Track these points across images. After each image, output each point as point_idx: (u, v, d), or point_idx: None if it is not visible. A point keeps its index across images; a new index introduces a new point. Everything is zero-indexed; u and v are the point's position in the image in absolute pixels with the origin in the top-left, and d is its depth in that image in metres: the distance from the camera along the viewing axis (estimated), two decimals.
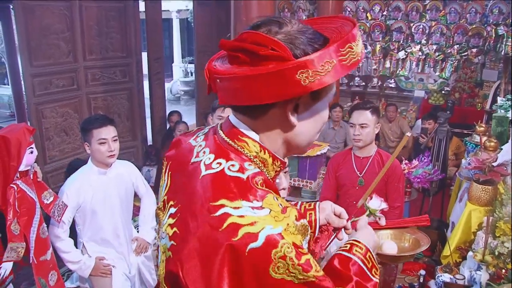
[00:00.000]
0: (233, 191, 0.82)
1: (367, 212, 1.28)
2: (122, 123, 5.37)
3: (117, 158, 2.47)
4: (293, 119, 0.87)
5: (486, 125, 3.72)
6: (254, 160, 0.89)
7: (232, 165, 0.85)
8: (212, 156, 0.89)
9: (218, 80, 0.84)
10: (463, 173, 3.43)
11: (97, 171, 2.44)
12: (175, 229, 0.88)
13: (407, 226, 1.40)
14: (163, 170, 1.05)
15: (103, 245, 2.54)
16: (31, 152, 2.29)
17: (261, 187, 0.83)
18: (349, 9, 7.18)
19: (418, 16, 6.84)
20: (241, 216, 0.78)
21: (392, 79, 7.04)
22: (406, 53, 6.93)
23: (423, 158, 4.06)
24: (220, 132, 0.93)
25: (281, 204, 0.82)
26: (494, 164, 2.94)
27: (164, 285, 0.91)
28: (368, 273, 0.98)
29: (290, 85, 0.78)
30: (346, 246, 1.04)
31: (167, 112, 6.22)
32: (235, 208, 0.79)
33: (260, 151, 0.90)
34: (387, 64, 7.07)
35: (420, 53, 6.84)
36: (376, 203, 1.29)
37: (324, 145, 3.76)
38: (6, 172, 2.18)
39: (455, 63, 6.59)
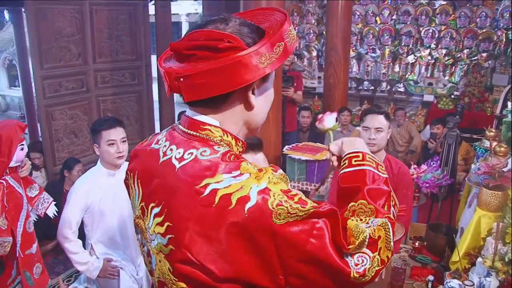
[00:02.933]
0: (212, 169, 0.86)
1: (330, 137, 1.28)
2: (131, 125, 5.40)
3: (126, 160, 2.48)
4: (253, 101, 0.95)
5: (496, 130, 3.68)
6: (220, 143, 0.94)
7: (204, 151, 0.90)
8: (181, 149, 0.93)
9: (181, 79, 0.88)
10: (472, 178, 3.40)
11: (106, 172, 2.45)
12: (167, 223, 0.89)
13: None
14: (129, 183, 1.07)
15: (111, 246, 2.55)
16: (22, 149, 2.31)
17: (234, 160, 0.88)
18: (358, 13, 7.18)
19: (428, 20, 6.83)
20: (228, 186, 0.83)
21: (401, 84, 7.02)
22: (415, 58, 6.91)
23: (432, 163, 4.03)
24: (181, 127, 0.98)
25: (255, 167, 0.87)
26: (504, 169, 2.91)
27: (175, 282, 0.92)
28: (376, 171, 1.03)
29: (251, 70, 0.86)
30: (344, 163, 1.08)
31: (176, 114, 6.28)
32: (218, 182, 0.84)
33: (223, 135, 0.95)
34: (396, 68, 7.06)
35: (429, 58, 6.82)
36: (331, 120, 1.29)
37: None
38: None
39: (465, 68, 6.56)
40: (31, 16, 4.24)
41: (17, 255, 2.27)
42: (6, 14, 12.55)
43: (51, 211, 2.53)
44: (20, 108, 12.45)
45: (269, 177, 0.85)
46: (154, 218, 0.93)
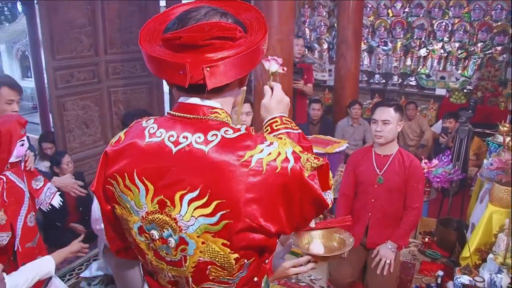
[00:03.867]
0: (248, 143, 0.96)
1: (271, 78, 1.34)
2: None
3: None
4: (246, 81, 1.10)
5: (509, 125, 3.63)
6: (228, 122, 1.03)
7: (226, 131, 0.98)
8: (200, 134, 0.98)
9: (207, 68, 0.93)
10: (484, 173, 3.37)
11: None
12: (216, 202, 0.94)
13: (333, 226, 1.53)
14: (117, 186, 1.04)
15: None
16: (22, 145, 2.31)
17: (256, 133, 1.01)
18: (370, 6, 7.12)
19: (441, 13, 6.73)
20: (269, 154, 0.95)
21: (413, 77, 6.94)
22: (428, 51, 6.83)
23: (443, 158, 4.00)
24: (183, 114, 1.02)
25: (274, 136, 1.04)
26: None
27: (228, 254, 0.99)
28: (292, 131, 1.23)
29: (261, 53, 1.02)
30: (267, 130, 1.25)
31: None
32: (260, 152, 0.95)
33: (226, 115, 1.04)
34: (408, 62, 6.99)
35: (442, 51, 6.73)
36: (275, 65, 1.35)
37: (343, 142, 3.74)
38: None
39: (478, 61, 6.47)
40: (43, 7, 4.26)
41: (16, 249, 2.29)
42: (19, 6, 12.62)
43: (56, 201, 2.54)
44: (32, 98, 12.55)
45: (289, 142, 1.01)
46: (189, 204, 0.96)
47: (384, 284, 2.64)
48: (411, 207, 2.64)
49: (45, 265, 2.17)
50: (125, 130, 1.10)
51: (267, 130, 1.24)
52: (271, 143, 0.97)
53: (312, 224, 1.43)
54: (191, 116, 1.01)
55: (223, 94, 1.03)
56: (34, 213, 2.41)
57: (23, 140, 2.30)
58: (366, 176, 2.74)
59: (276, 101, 1.28)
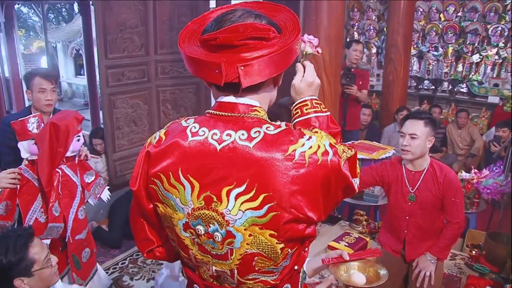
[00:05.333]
0: (290, 138, 1.01)
1: (304, 56, 1.32)
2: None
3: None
4: (280, 80, 1.13)
5: None
6: (267, 120, 1.07)
7: (268, 127, 1.03)
8: (243, 131, 1.02)
9: (242, 67, 0.97)
10: None
11: None
12: (263, 195, 0.98)
13: (364, 258, 1.57)
14: (161, 184, 1.07)
15: None
16: (78, 140, 2.39)
17: (295, 128, 1.09)
18: (421, 10, 6.93)
19: (497, 17, 6.46)
20: (310, 147, 1.00)
21: (464, 84, 6.70)
22: (481, 57, 6.57)
23: (494, 168, 3.84)
24: (224, 113, 1.06)
25: (310, 131, 1.07)
26: None
27: (275, 245, 1.03)
28: (321, 114, 1.25)
29: (294, 53, 1.05)
30: (297, 112, 1.26)
31: None
32: (302, 146, 1.00)
33: (265, 113, 1.09)
34: (459, 68, 6.75)
35: (496, 57, 6.46)
36: (310, 48, 1.33)
37: (389, 149, 3.67)
38: (53, 156, 2.28)
39: None
40: (99, 8, 4.40)
41: (67, 240, 2.37)
42: (76, 7, 13.17)
43: (105, 195, 2.63)
44: (84, 95, 13.08)
45: (324, 135, 1.06)
46: (236, 198, 1.00)
47: None
48: (452, 222, 2.53)
49: None
50: (164, 130, 1.13)
51: (297, 113, 1.26)
52: (310, 137, 1.02)
53: (346, 255, 1.49)
54: (231, 114, 1.05)
55: (258, 92, 1.07)
56: (84, 206, 2.50)
57: (79, 136, 2.40)
58: (398, 194, 2.62)
59: (306, 83, 1.26)
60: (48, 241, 2.27)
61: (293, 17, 1.11)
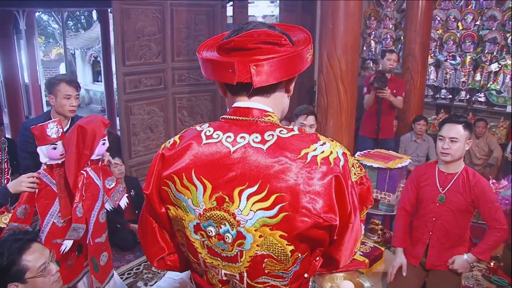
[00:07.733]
0: (303, 142, 1.05)
1: None
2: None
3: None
4: (291, 89, 1.17)
5: None
6: (280, 124, 1.11)
7: (281, 131, 1.07)
8: (257, 134, 1.06)
9: (254, 67, 1.01)
10: None
11: None
12: (274, 195, 1.00)
13: (351, 269, 1.64)
14: (174, 185, 1.10)
15: None
16: (103, 144, 2.43)
17: (308, 133, 1.09)
18: (439, 18, 6.86)
19: None
20: (322, 152, 1.04)
21: (482, 93, 6.61)
22: (500, 66, 6.48)
23: None
24: (238, 117, 1.10)
25: (325, 137, 1.11)
26: None
27: (285, 246, 1.04)
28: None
29: (304, 62, 1.09)
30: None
31: None
32: (314, 150, 1.03)
33: (278, 119, 1.13)
34: (477, 77, 6.65)
35: None
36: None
37: (405, 158, 3.63)
38: (79, 159, 2.33)
39: None
40: (117, 16, 4.47)
41: (87, 242, 2.39)
42: (94, 14, 13.37)
43: (123, 202, 2.64)
44: (101, 102, 13.24)
45: (339, 145, 1.10)
46: (248, 198, 1.02)
47: None
48: (496, 228, 2.53)
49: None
50: (179, 135, 1.17)
51: None
52: (324, 143, 1.06)
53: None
54: (245, 118, 1.09)
55: (270, 96, 1.11)
56: (105, 210, 2.53)
57: (105, 140, 2.44)
58: (427, 193, 2.66)
59: None
60: (70, 243, 2.30)
61: (306, 34, 1.16)
